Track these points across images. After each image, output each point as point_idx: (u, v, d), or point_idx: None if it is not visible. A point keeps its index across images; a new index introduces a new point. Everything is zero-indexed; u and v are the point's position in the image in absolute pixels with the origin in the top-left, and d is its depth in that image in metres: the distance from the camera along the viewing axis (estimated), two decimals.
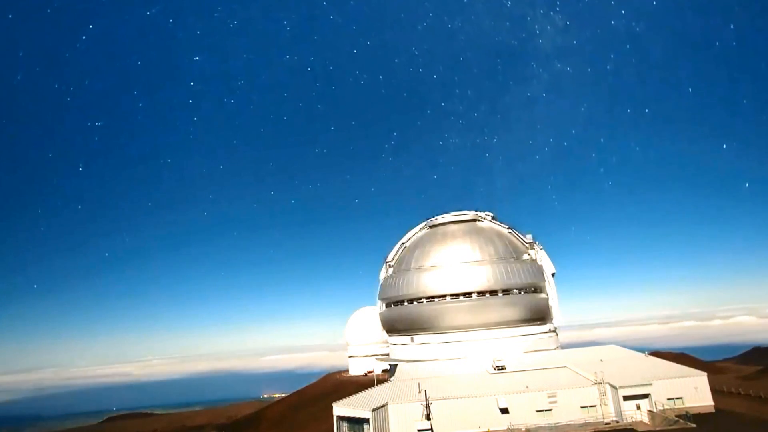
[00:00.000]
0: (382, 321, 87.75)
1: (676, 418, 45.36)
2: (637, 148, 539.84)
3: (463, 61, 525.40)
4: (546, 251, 78.81)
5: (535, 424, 48.32)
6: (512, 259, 75.38)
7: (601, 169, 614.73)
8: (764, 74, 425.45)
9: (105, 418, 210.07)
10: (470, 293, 72.22)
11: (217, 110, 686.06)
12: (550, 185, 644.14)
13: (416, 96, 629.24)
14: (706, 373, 53.40)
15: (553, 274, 77.37)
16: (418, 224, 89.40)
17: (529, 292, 73.55)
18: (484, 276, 72.58)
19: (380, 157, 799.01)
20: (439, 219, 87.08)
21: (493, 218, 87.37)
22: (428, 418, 47.53)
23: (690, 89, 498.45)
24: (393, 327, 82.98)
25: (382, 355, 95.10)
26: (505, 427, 48.22)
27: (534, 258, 76.83)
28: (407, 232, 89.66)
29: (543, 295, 74.53)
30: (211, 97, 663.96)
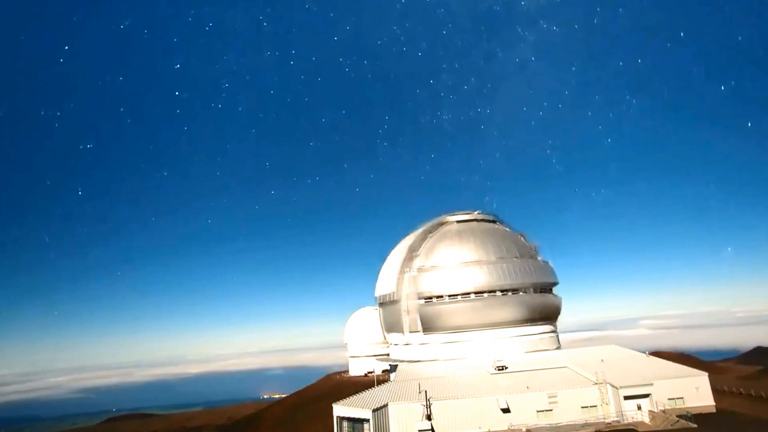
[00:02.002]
0: (382, 322, 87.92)
1: (677, 418, 45.29)
2: (634, 101, 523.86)
3: (446, 34, 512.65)
4: (551, 262, 78.79)
5: (535, 425, 48.22)
6: (513, 259, 75.21)
7: (599, 127, 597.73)
8: (759, 7, 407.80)
9: (105, 419, 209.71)
10: (467, 294, 72.24)
11: (206, 116, 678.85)
12: (549, 149, 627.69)
13: (403, 76, 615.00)
14: (707, 373, 53.32)
15: (553, 286, 77.19)
16: (417, 221, 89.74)
17: (527, 293, 73.39)
18: (480, 277, 72.49)
19: (375, 143, 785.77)
20: (438, 220, 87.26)
21: (494, 219, 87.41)
22: (429, 418, 47.44)
23: (682, 33, 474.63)
24: (396, 328, 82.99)
25: (383, 355, 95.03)
26: (506, 428, 48.13)
27: (534, 256, 76.73)
28: (408, 234, 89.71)
29: (541, 296, 74.29)
30: (198, 103, 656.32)
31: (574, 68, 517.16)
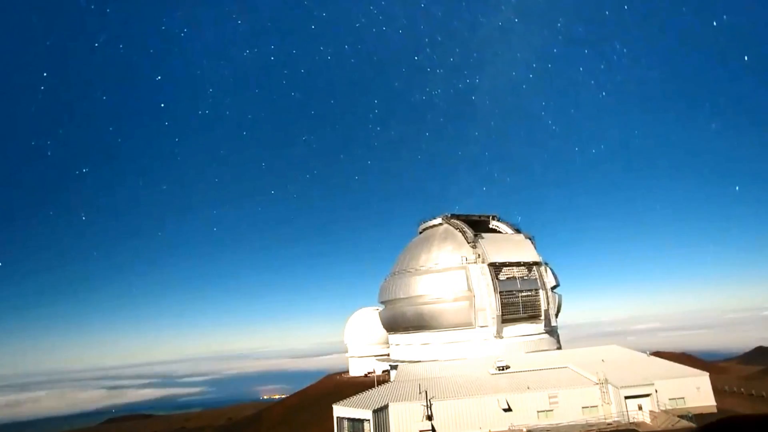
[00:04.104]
0: (382, 322, 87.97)
1: (678, 418, 45.18)
2: (624, 50, 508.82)
3: (425, 6, 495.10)
4: (551, 267, 78.34)
5: (536, 425, 48.10)
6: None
7: (592, 81, 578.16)
8: None
9: (104, 420, 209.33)
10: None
11: (195, 124, 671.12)
12: (544, 111, 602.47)
13: (387, 57, 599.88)
14: (708, 373, 53.28)
15: (555, 287, 76.88)
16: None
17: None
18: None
19: (368, 129, 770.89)
20: (434, 221, 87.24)
21: (494, 218, 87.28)
22: (429, 418, 47.33)
23: None
24: (392, 328, 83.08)
25: (383, 355, 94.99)
26: (507, 428, 48.00)
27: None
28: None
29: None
30: (185, 112, 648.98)
31: (559, 24, 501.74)
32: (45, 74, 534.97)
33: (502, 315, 70.61)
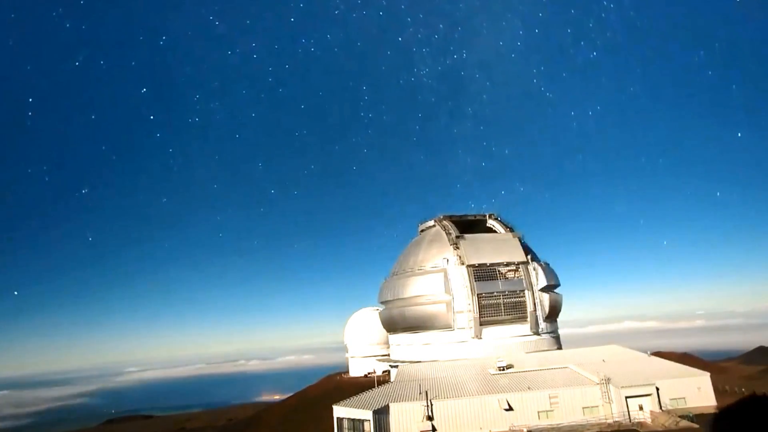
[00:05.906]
0: (382, 323, 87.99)
1: (679, 418, 45.06)
2: (612, 6, 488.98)
3: None
4: (548, 266, 77.89)
5: (537, 425, 47.96)
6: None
7: (582, 42, 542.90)
8: None
9: (104, 420, 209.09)
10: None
11: (186, 134, 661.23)
12: (535, 78, 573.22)
13: (371, 42, 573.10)
14: (709, 373, 53.26)
15: (552, 287, 76.27)
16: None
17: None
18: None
19: (359, 117, 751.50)
20: (434, 220, 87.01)
21: (491, 216, 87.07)
22: (430, 418, 47.19)
23: None
24: (392, 328, 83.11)
25: (383, 356, 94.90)
26: (507, 428, 47.87)
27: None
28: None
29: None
30: (175, 123, 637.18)
31: None
32: (30, 99, 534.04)
33: (481, 317, 70.38)
